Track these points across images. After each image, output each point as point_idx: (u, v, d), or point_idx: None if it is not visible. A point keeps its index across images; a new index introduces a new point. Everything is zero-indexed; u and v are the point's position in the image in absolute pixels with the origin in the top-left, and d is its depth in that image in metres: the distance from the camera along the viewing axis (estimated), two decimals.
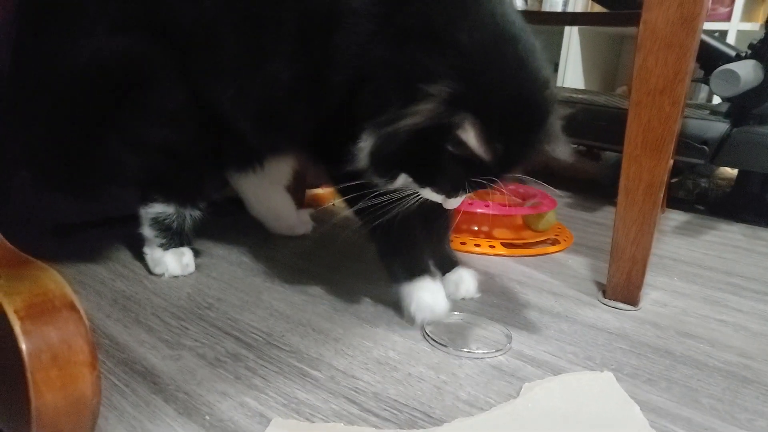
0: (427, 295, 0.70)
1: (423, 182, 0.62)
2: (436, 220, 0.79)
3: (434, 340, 0.66)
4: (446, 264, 0.81)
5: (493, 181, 0.60)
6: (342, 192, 0.73)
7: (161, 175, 0.79)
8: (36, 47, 0.75)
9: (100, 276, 0.78)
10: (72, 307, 0.41)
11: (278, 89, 0.68)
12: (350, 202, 0.71)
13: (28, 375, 0.38)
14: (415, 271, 0.71)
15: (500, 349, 0.66)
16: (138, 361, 0.58)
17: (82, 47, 0.73)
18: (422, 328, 0.69)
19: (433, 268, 0.74)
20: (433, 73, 0.54)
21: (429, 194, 0.63)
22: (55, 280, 0.43)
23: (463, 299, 0.79)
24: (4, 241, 0.49)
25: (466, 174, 0.59)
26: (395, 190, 0.63)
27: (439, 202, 0.64)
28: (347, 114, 0.62)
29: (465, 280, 0.79)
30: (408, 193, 0.63)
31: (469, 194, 0.63)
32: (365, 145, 0.59)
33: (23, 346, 0.38)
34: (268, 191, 0.96)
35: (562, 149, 0.62)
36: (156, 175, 0.79)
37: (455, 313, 0.74)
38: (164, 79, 0.73)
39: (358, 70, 0.62)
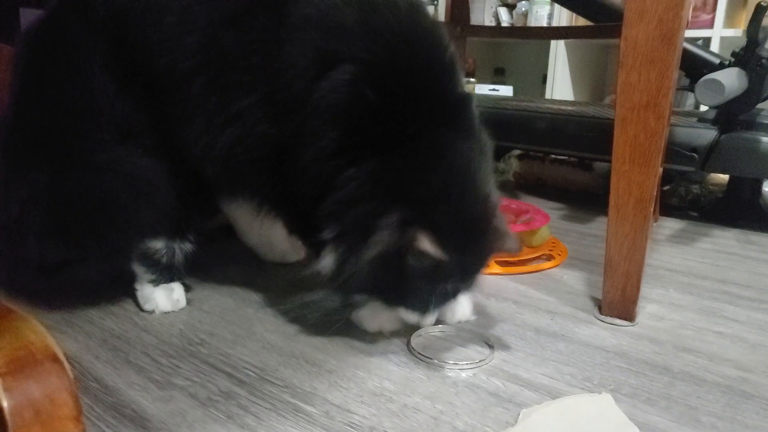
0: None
1: (393, 303, 0.68)
2: None
3: (419, 353, 0.69)
4: None
5: (457, 288, 0.68)
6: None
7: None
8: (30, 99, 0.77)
9: (89, 315, 0.77)
10: (54, 358, 0.41)
11: (242, 152, 0.70)
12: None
13: None
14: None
15: (483, 360, 0.68)
16: (128, 404, 0.57)
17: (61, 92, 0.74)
18: (407, 343, 0.71)
19: None
20: (385, 210, 0.62)
21: (403, 314, 0.68)
22: (36, 331, 0.42)
23: (459, 322, 0.78)
24: None
25: (432, 286, 0.65)
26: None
27: (415, 321, 0.69)
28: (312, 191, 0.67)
29: (460, 303, 0.78)
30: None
31: (438, 309, 0.69)
32: (328, 261, 0.66)
33: (5, 404, 0.37)
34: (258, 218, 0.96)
35: (510, 244, 0.69)
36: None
37: (438, 326, 0.75)
38: (141, 119, 0.74)
39: (320, 178, 0.66)
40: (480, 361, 0.68)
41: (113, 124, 0.74)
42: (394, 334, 0.73)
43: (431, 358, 0.68)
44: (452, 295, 0.69)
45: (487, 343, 0.72)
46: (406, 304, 0.67)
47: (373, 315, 0.73)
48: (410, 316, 0.69)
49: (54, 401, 0.39)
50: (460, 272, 0.66)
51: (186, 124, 0.73)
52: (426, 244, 0.60)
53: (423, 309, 0.67)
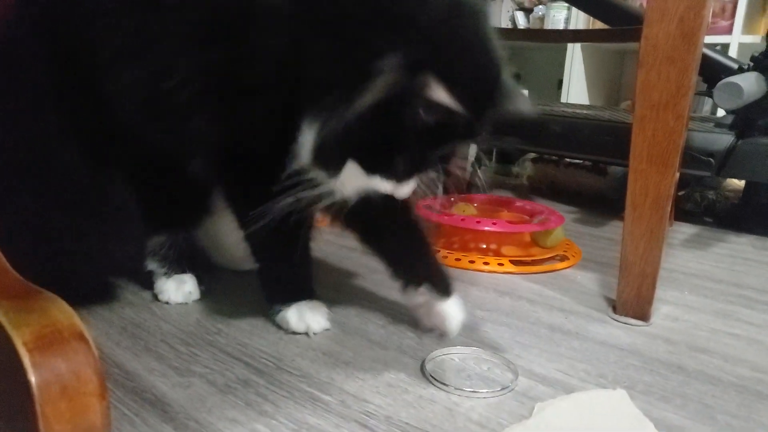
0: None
1: (372, 169, 0.57)
2: (405, 230, 0.75)
3: (435, 380, 0.62)
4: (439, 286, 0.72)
5: (453, 150, 0.57)
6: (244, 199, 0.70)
7: (139, 207, 0.78)
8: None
9: (108, 304, 0.78)
10: (81, 337, 0.42)
11: (173, 82, 0.62)
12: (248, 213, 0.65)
13: (38, 408, 0.38)
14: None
15: (506, 387, 0.62)
16: (148, 389, 0.58)
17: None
18: (422, 367, 0.65)
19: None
20: (383, 48, 0.51)
21: (378, 184, 0.58)
22: (63, 310, 0.43)
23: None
24: (11, 271, 0.50)
25: (429, 147, 0.55)
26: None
27: (388, 191, 0.59)
28: (273, 114, 0.60)
29: (452, 312, 0.71)
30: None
31: (424, 177, 0.60)
32: (307, 138, 0.56)
33: (32, 379, 0.38)
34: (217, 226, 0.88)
35: (523, 103, 0.60)
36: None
37: (458, 347, 0.70)
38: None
39: (288, 68, 0.57)
40: (502, 388, 0.61)
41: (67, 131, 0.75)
42: (405, 352, 0.68)
43: (447, 385, 0.61)
44: (447, 160, 0.59)
45: (509, 368, 0.66)
46: (387, 170, 0.57)
47: (300, 315, 0.72)
48: (384, 185, 0.58)
49: (80, 378, 0.40)
50: (468, 130, 0.56)
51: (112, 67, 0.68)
52: (442, 94, 0.51)
53: (403, 177, 0.58)
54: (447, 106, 0.52)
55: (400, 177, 0.58)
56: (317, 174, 0.61)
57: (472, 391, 0.61)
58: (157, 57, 0.64)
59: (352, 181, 0.59)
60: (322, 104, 0.54)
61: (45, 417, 0.38)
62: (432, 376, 0.63)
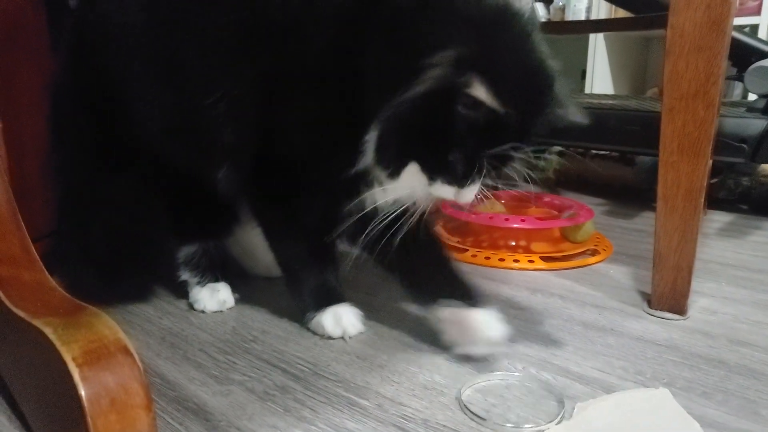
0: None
1: (433, 171, 0.60)
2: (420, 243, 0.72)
3: (471, 412, 0.56)
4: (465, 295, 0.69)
5: (511, 150, 0.57)
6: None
7: (168, 218, 0.80)
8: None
9: (146, 314, 0.80)
10: (126, 351, 0.43)
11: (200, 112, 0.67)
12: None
13: (89, 420, 0.39)
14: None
15: (552, 420, 0.55)
16: (189, 398, 0.59)
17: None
18: (458, 397, 0.59)
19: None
20: (437, 45, 0.54)
21: (440, 189, 0.61)
22: (108, 325, 0.44)
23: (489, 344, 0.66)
24: (58, 289, 0.52)
25: (482, 146, 0.57)
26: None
27: (451, 197, 0.61)
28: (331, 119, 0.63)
29: (488, 322, 0.65)
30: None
31: (485, 180, 0.60)
32: (371, 136, 0.59)
33: (83, 393, 0.40)
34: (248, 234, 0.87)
35: (574, 112, 0.61)
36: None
37: (497, 373, 0.64)
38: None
39: (349, 67, 0.60)
40: (549, 422, 0.55)
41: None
42: (439, 353, 0.68)
43: (484, 419, 0.55)
44: (505, 162, 0.59)
45: (554, 395, 0.60)
46: (447, 171, 0.59)
47: (336, 319, 0.72)
48: (445, 190, 0.60)
49: (127, 391, 0.41)
50: (518, 132, 0.57)
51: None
52: (482, 93, 0.54)
53: (464, 179, 0.59)
54: (488, 105, 0.54)
55: (460, 180, 0.60)
56: (378, 175, 0.63)
57: (513, 427, 0.55)
58: (194, 76, 0.67)
59: (414, 186, 0.62)
60: (383, 97, 0.57)
61: (96, 429, 0.39)
62: (468, 408, 0.57)
